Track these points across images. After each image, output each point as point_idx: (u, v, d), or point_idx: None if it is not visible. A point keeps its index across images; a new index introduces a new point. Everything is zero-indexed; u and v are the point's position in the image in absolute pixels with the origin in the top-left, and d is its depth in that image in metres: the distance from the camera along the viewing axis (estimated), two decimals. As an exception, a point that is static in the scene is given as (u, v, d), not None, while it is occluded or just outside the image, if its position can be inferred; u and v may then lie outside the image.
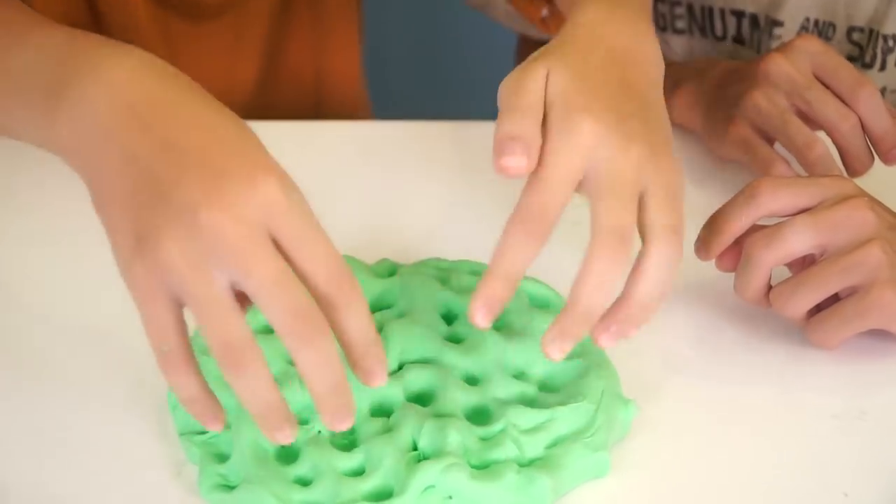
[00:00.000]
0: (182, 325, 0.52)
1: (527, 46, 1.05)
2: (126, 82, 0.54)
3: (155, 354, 0.52)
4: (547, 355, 0.56)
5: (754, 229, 0.67)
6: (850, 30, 0.93)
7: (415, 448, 0.59)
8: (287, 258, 0.51)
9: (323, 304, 0.52)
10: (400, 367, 0.64)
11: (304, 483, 0.58)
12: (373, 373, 0.54)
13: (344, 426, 0.53)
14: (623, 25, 0.61)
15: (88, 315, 0.70)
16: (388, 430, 0.60)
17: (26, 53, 0.57)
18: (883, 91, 0.94)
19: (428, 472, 0.57)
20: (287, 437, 0.52)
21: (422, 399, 0.62)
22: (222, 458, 0.60)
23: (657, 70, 0.62)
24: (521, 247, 0.55)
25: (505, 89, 0.58)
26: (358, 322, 0.53)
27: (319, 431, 0.60)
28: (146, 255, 0.50)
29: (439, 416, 0.60)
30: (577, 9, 0.62)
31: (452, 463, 0.57)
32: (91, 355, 0.67)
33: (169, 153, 0.52)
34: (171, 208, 0.50)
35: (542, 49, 0.60)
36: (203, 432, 0.61)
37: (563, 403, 0.61)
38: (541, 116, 0.57)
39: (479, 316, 0.55)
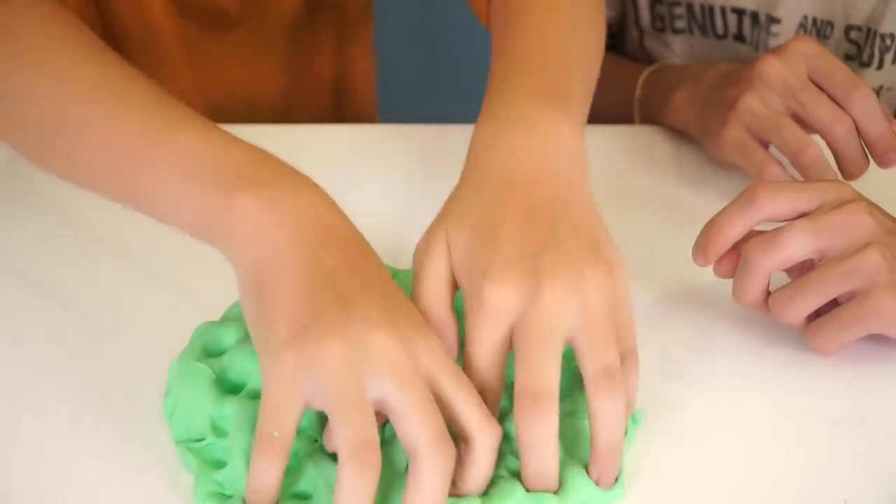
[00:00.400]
0: (297, 424, 0.54)
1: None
2: (327, 210, 0.58)
3: (257, 437, 0.54)
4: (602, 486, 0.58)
5: (752, 235, 0.66)
6: (848, 28, 0.93)
7: None
8: (439, 402, 0.55)
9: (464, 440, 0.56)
10: None
11: (303, 498, 0.58)
12: None
13: None
14: (515, 138, 0.61)
15: (87, 323, 0.70)
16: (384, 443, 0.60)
17: (211, 145, 0.59)
18: (880, 89, 0.94)
19: None
20: None
21: None
22: (218, 464, 0.60)
23: (569, 165, 0.61)
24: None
25: (415, 263, 0.60)
26: (476, 474, 0.56)
27: (315, 440, 0.59)
28: (304, 344, 0.53)
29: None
30: (474, 133, 0.63)
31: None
32: (90, 363, 0.67)
33: (357, 276, 0.56)
34: (350, 317, 0.54)
35: (443, 208, 0.61)
36: (200, 440, 0.61)
37: (569, 415, 0.61)
38: (448, 292, 0.59)
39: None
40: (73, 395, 0.65)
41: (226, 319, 0.66)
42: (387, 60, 1.19)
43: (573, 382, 0.62)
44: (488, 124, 0.63)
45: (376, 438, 0.53)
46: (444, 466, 0.53)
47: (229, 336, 0.65)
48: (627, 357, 0.59)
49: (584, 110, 0.68)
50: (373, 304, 0.54)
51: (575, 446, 0.60)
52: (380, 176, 0.83)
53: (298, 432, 0.59)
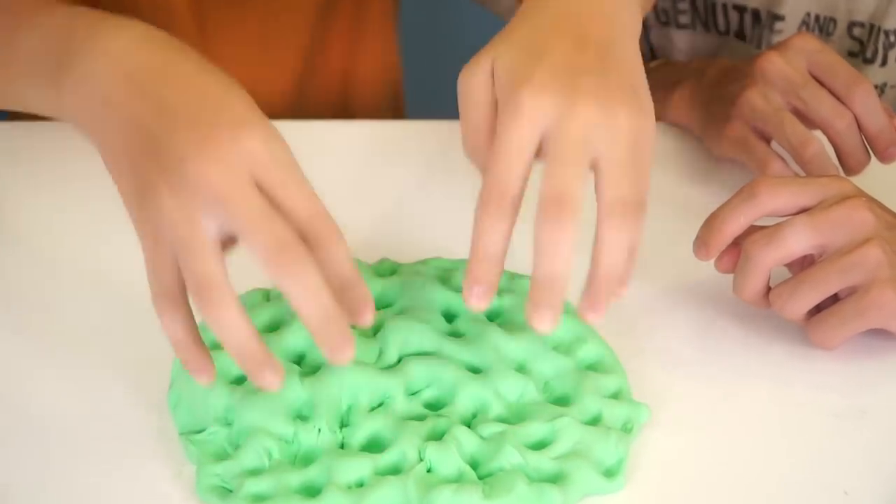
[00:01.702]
0: (178, 269, 0.55)
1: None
2: (124, 53, 0.58)
3: (152, 297, 0.56)
4: (535, 329, 0.57)
5: (753, 230, 0.67)
6: (851, 25, 0.93)
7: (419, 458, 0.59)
8: (271, 202, 0.54)
9: (306, 242, 0.54)
10: (399, 361, 0.64)
11: (312, 492, 0.58)
12: (358, 310, 0.56)
13: (343, 357, 0.55)
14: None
15: (89, 314, 0.70)
16: (387, 443, 0.60)
17: (32, 34, 0.62)
18: (884, 86, 0.94)
19: (440, 495, 0.57)
20: (271, 380, 0.55)
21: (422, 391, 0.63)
22: (221, 456, 0.60)
23: (624, 19, 0.61)
24: (493, 225, 0.56)
25: (459, 89, 0.60)
26: (338, 258, 0.55)
27: (320, 430, 0.60)
28: (146, 204, 0.55)
29: (440, 416, 0.61)
30: None
31: (463, 484, 0.57)
32: (91, 355, 0.67)
33: (163, 114, 0.56)
34: (164, 162, 0.55)
35: (493, 39, 0.61)
36: (201, 430, 0.61)
37: (568, 407, 0.62)
38: (490, 114, 0.59)
39: (474, 299, 0.57)
40: (77, 386, 0.65)
41: None
42: (409, 57, 1.19)
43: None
44: None
45: (219, 271, 0.54)
46: (296, 273, 0.53)
47: None
48: (640, 202, 0.58)
49: None
50: (180, 137, 0.55)
51: None
52: (403, 171, 0.83)
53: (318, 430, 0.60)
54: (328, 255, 0.55)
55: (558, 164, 0.56)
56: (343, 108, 1.05)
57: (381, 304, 0.68)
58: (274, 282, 0.54)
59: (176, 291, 0.55)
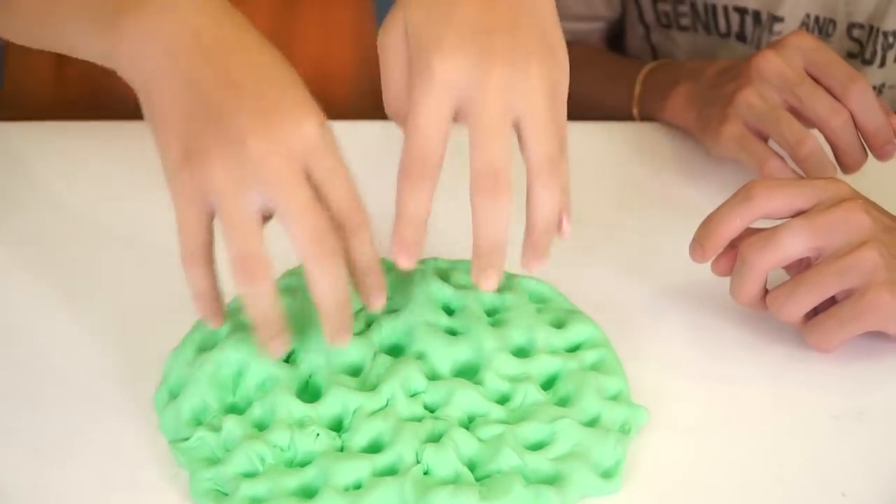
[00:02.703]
0: (210, 231, 0.58)
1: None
2: (193, 11, 0.58)
3: (181, 253, 0.58)
4: (481, 288, 0.60)
5: (749, 233, 0.67)
6: (851, 26, 0.93)
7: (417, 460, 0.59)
8: (316, 190, 0.57)
9: (339, 230, 0.58)
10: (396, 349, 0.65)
11: (309, 494, 0.58)
12: (372, 295, 0.61)
13: (342, 342, 0.59)
14: None
15: (86, 316, 0.70)
16: (384, 443, 0.60)
17: None
18: (882, 87, 0.94)
19: (437, 497, 0.57)
20: (278, 347, 0.60)
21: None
22: (212, 461, 0.60)
23: None
24: (415, 193, 0.59)
25: (378, 46, 0.62)
26: (364, 247, 0.60)
27: (318, 434, 0.60)
28: (194, 167, 0.56)
29: (438, 418, 0.61)
30: None
31: (460, 486, 0.58)
32: (89, 357, 0.67)
33: (228, 85, 0.57)
34: (224, 132, 0.56)
35: None
36: (186, 438, 0.61)
37: (566, 408, 0.62)
38: (406, 73, 0.60)
39: (401, 258, 0.60)
40: (74, 388, 0.65)
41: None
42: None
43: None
44: None
45: (262, 249, 0.57)
46: (326, 265, 0.57)
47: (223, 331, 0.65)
48: (562, 150, 0.60)
49: None
50: (244, 112, 0.56)
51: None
52: (371, 173, 0.83)
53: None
54: (358, 243, 0.59)
55: (484, 136, 0.58)
56: (318, 100, 1.04)
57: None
58: (304, 265, 0.57)
59: (206, 250, 0.59)
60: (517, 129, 0.59)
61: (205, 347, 0.64)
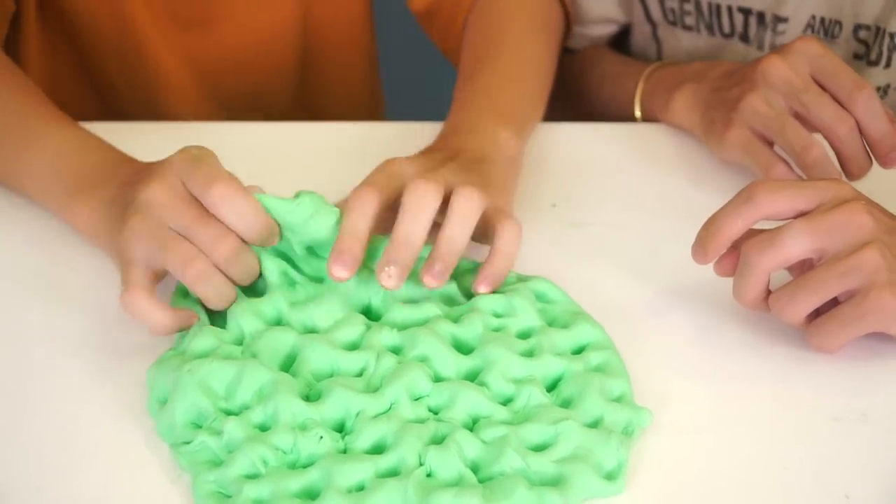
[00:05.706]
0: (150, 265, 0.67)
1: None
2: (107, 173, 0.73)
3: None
4: (426, 285, 0.66)
5: (751, 234, 0.67)
6: (857, 27, 0.93)
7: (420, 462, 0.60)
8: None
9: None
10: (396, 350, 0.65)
11: (312, 496, 0.58)
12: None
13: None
14: (470, 135, 0.77)
15: (87, 317, 0.70)
16: (388, 444, 0.60)
17: (44, 154, 0.75)
18: (887, 88, 0.94)
19: (440, 499, 0.57)
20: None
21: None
22: (214, 464, 0.60)
23: (495, 153, 0.76)
24: (362, 209, 0.67)
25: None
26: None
27: (321, 437, 0.60)
28: (131, 221, 0.67)
29: (442, 420, 0.61)
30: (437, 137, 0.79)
31: (463, 488, 0.58)
32: (90, 359, 0.67)
33: (125, 184, 0.70)
34: (131, 196, 0.68)
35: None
36: (187, 442, 0.61)
37: (569, 410, 0.62)
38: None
39: (336, 269, 0.66)
40: (76, 391, 0.66)
41: (203, 325, 0.66)
42: (389, 60, 1.19)
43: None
44: (451, 115, 0.81)
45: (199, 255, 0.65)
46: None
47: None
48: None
49: (530, 124, 0.84)
50: (143, 179, 0.67)
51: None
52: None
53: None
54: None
55: (421, 173, 0.70)
56: (305, 61, 1.04)
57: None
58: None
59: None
60: (448, 192, 0.68)
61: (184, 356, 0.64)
